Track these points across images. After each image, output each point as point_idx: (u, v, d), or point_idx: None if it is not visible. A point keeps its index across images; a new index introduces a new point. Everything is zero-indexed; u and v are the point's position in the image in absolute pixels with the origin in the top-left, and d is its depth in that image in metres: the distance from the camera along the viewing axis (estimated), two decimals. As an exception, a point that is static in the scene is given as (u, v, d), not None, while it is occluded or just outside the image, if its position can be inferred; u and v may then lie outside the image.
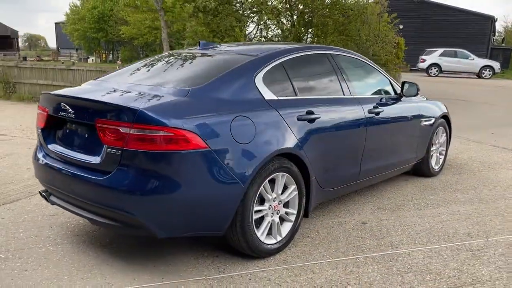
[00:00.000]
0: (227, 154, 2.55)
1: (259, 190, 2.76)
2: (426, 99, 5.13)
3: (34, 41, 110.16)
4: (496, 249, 3.14)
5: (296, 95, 3.17)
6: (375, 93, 4.16)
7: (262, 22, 11.04)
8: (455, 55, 27.97)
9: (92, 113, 2.55)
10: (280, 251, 3.00)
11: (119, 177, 2.43)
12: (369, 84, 4.19)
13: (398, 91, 4.33)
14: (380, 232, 3.39)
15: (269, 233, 2.95)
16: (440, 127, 4.95)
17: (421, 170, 4.85)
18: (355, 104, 3.62)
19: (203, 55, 3.33)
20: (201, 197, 2.50)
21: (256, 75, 2.93)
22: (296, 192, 3.06)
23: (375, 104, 3.83)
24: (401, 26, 34.37)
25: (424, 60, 31.55)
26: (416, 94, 4.34)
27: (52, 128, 2.93)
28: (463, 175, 5.09)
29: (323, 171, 3.31)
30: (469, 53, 27.14)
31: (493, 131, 8.13)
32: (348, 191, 3.88)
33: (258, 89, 2.89)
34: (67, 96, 2.73)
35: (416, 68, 30.81)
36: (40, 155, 2.97)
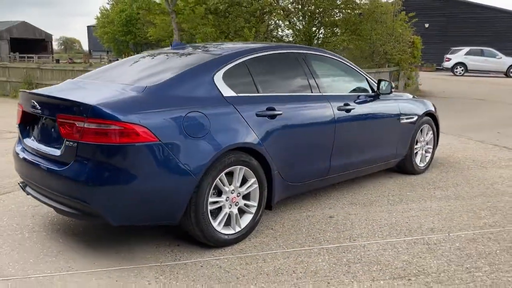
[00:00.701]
0: (178, 147, 2.71)
1: (215, 182, 2.91)
2: (413, 97, 5.17)
3: (69, 44, 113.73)
4: (454, 243, 3.18)
5: (258, 92, 3.30)
6: (350, 91, 4.24)
7: (272, 23, 11.17)
8: (481, 53, 27.28)
9: (54, 109, 2.77)
10: (239, 242, 3.13)
11: (75, 168, 2.64)
12: (342, 83, 4.27)
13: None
14: (344, 226, 3.48)
15: (228, 224, 3.09)
16: (425, 125, 4.97)
17: (405, 167, 4.89)
18: (323, 102, 3.72)
19: (172, 55, 3.51)
20: (152, 188, 2.67)
21: (215, 73, 3.08)
22: (256, 185, 3.19)
23: (346, 102, 3.91)
24: (426, 25, 33.92)
25: (449, 59, 30.90)
26: (390, 92, 4.38)
27: (27, 124, 3.17)
28: (450, 173, 5.08)
29: (288, 166, 3.42)
30: (496, 51, 26.42)
31: (500, 131, 7.99)
32: (319, 186, 3.97)
33: (216, 87, 3.04)
34: (35, 93, 2.96)
35: (441, 68, 30.22)
36: (18, 149, 3.22)
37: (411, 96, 5.12)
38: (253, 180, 3.17)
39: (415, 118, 4.73)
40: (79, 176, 2.61)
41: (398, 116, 4.51)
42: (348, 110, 3.90)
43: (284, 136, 3.35)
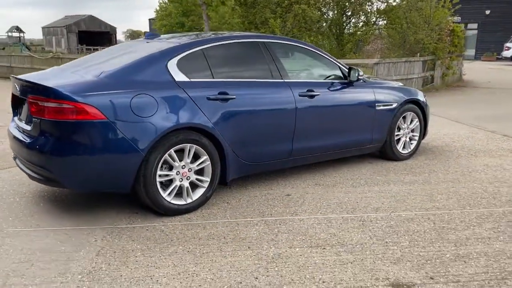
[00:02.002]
0: (125, 125, 3.11)
1: (163, 158, 3.29)
2: (403, 85, 5.26)
3: (135, 36, 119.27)
4: (389, 222, 3.35)
5: (213, 78, 3.63)
6: (319, 79, 4.44)
7: (300, 12, 11.30)
8: (545, 42, 25.53)
9: (27, 91, 3.26)
10: (190, 212, 3.50)
11: (39, 141, 3.13)
12: (310, 70, 4.48)
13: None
14: (295, 203, 3.74)
15: (180, 195, 3.47)
16: (409, 112, 5.03)
17: (386, 153, 5.00)
18: (283, 88, 3.97)
19: (141, 44, 3.92)
20: (101, 160, 3.10)
21: (169, 61, 3.45)
22: (208, 162, 3.54)
23: (310, 88, 4.14)
24: (487, 12, 31.99)
25: (508, 48, 29.14)
26: (357, 79, 4.51)
27: (16, 104, 3.72)
28: (434, 160, 5.13)
29: (243, 146, 3.73)
30: (561, 39, 24.60)
31: (521, 121, 7.72)
32: (283, 167, 4.24)
33: (169, 72, 3.41)
34: (17, 78, 3.48)
35: (501, 57, 28.57)
36: (11, 127, 3.78)
37: (397, 85, 5.21)
38: (205, 157, 3.51)
39: (394, 105, 4.83)
40: (42, 147, 3.10)
41: (373, 103, 4.64)
42: (311, 96, 4.12)
43: (238, 119, 3.66)
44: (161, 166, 3.34)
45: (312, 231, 3.18)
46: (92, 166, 3.10)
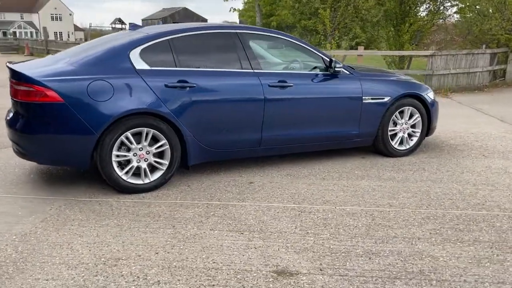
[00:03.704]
0: (81, 108, 3.45)
1: (119, 139, 3.58)
2: (410, 79, 5.06)
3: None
4: (326, 214, 3.32)
5: (175, 67, 3.83)
6: (298, 69, 4.43)
7: (352, 1, 10.94)
8: None
9: (11, 76, 3.74)
10: (147, 191, 3.76)
11: (13, 119, 3.60)
12: (290, 62, 4.47)
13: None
14: (251, 190, 3.83)
15: (138, 175, 3.75)
16: (407, 107, 4.79)
17: (378, 148, 4.84)
18: (251, 78, 4.05)
19: (121, 35, 4.24)
20: (60, 139, 3.47)
21: (132, 50, 3.72)
22: (167, 146, 3.77)
23: (282, 79, 4.16)
24: None
25: None
26: (335, 72, 4.40)
27: (14, 88, 4.26)
28: (434, 158, 4.84)
29: (206, 133, 3.90)
30: None
31: None
32: (253, 155, 4.32)
33: (130, 61, 3.68)
34: (7, 66, 3.98)
35: None
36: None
37: (404, 78, 5.01)
38: (163, 141, 3.75)
39: (387, 99, 4.64)
40: (15, 125, 3.56)
41: (358, 95, 4.51)
42: (283, 87, 4.14)
43: (198, 106, 3.83)
44: (119, 147, 3.64)
45: (244, 217, 3.26)
46: (52, 143, 3.49)
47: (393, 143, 4.82)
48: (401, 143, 4.89)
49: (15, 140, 3.63)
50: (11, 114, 3.71)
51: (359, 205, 3.49)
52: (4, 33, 63.53)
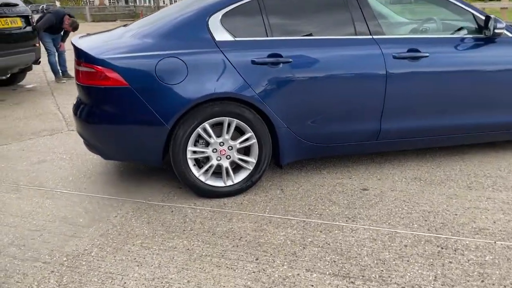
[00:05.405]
0: (148, 93, 2.72)
1: (196, 132, 2.83)
2: None
3: None
4: (479, 254, 2.22)
5: (266, 36, 2.90)
6: (433, 32, 3.21)
7: None
8: None
9: (74, 54, 3.13)
10: (231, 195, 2.99)
11: (77, 105, 3.03)
12: (423, 22, 3.23)
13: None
14: (363, 202, 2.85)
15: (219, 176, 2.99)
16: None
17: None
18: (368, 47, 2.97)
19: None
20: (126, 131, 2.81)
21: (211, 16, 2.86)
22: (254, 140, 2.93)
23: (413, 47, 3.00)
24: None
25: None
26: (494, 35, 3.05)
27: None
28: None
29: (304, 123, 2.98)
30: None
31: None
32: (367, 151, 3.29)
33: (209, 30, 2.84)
34: (71, 42, 3.37)
35: None
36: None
37: None
38: (249, 134, 2.91)
39: None
40: (77, 112, 2.98)
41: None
42: (414, 58, 2.99)
43: (296, 88, 2.89)
44: (196, 142, 2.89)
45: (355, 251, 2.32)
46: (117, 136, 2.85)
47: None
48: None
49: (78, 129, 3.08)
50: (76, 100, 3.16)
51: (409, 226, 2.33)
52: (126, 1, 67.84)
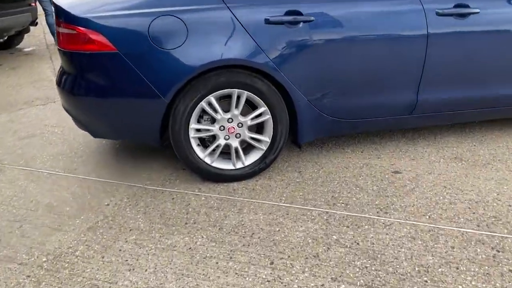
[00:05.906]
0: (141, 60, 2.27)
1: (199, 106, 2.39)
2: None
3: None
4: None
5: (283, -12, 2.39)
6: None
7: None
8: None
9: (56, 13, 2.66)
10: (241, 179, 2.58)
11: (60, 74, 2.58)
12: None
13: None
14: (396, 188, 2.42)
15: (227, 157, 2.57)
16: None
17: None
18: (406, 2, 2.44)
19: None
20: (116, 104, 2.38)
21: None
22: (268, 116, 2.48)
23: (460, 2, 2.47)
24: None
25: None
26: None
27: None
28: None
29: (326, 95, 2.52)
30: None
31: None
32: (400, 127, 2.82)
33: (213, -19, 2.34)
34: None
35: None
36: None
37: None
38: (263, 109, 2.46)
39: None
40: (61, 83, 2.54)
41: None
42: (462, 15, 2.47)
43: (319, 53, 2.40)
44: (200, 118, 2.46)
45: (391, 254, 1.92)
46: (107, 110, 2.42)
47: None
48: None
49: (63, 103, 2.65)
50: (59, 69, 2.71)
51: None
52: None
